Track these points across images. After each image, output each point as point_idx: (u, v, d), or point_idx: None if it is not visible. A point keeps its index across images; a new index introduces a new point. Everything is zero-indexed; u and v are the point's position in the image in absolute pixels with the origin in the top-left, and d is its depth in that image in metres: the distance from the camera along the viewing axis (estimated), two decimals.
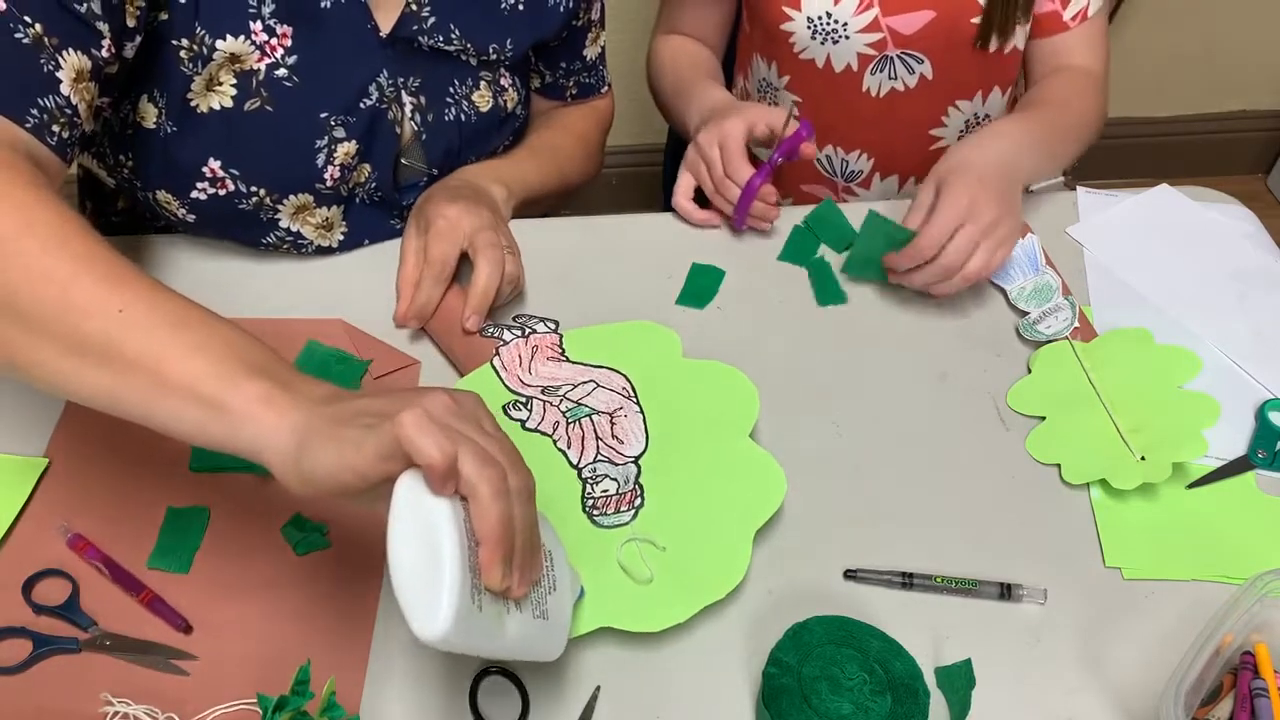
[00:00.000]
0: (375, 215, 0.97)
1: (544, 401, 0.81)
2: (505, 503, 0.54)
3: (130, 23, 0.76)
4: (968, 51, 1.07)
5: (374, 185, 0.94)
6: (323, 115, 0.87)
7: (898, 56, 1.07)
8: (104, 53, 0.73)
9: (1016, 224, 0.91)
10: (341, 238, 0.96)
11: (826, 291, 0.95)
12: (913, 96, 1.10)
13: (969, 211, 0.88)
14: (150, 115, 0.85)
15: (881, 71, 1.09)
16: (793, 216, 1.01)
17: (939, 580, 0.74)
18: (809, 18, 1.06)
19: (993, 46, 1.07)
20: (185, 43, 0.81)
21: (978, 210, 0.88)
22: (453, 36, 0.91)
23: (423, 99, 0.93)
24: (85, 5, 0.71)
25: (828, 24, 1.06)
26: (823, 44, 1.08)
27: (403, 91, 0.92)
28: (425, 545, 0.52)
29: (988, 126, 0.99)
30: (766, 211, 0.98)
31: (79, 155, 0.74)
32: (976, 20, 1.05)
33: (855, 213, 1.01)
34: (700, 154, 0.99)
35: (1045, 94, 1.07)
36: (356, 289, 0.93)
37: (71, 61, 0.71)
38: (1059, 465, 0.82)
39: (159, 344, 0.58)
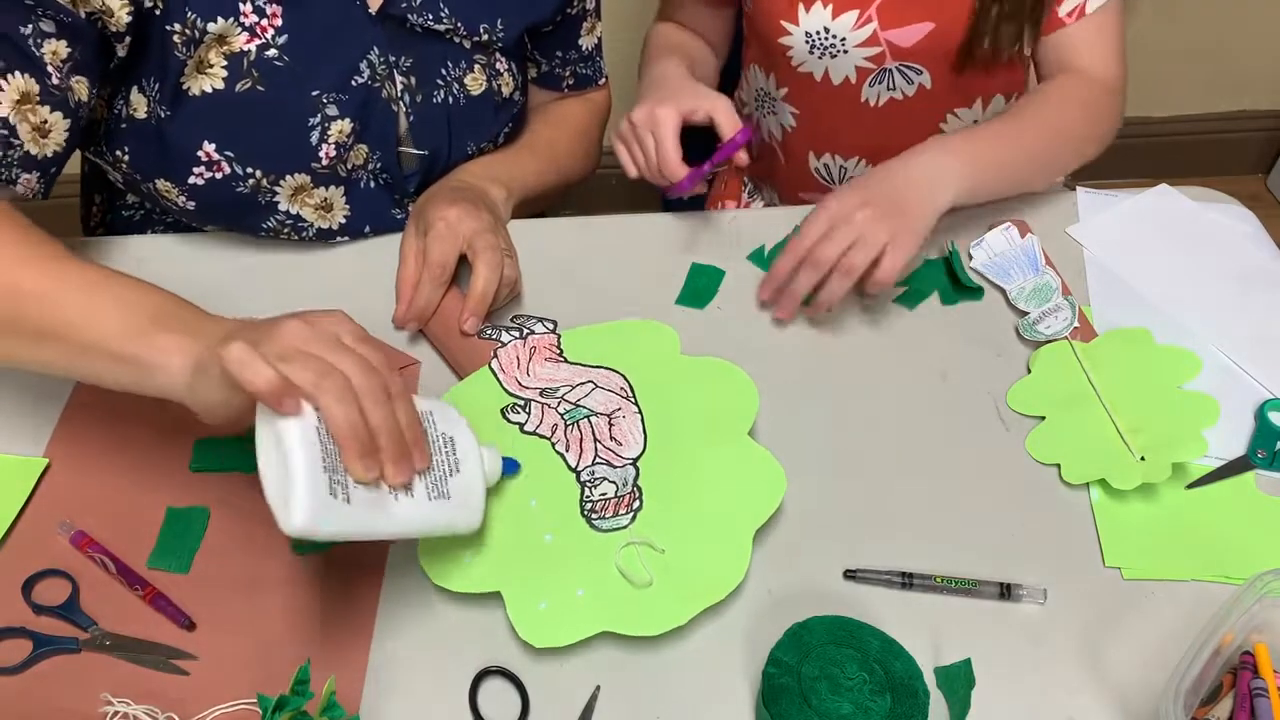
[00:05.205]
0: (378, 201, 0.97)
1: (542, 404, 0.81)
2: (348, 407, 0.60)
3: (114, 28, 0.78)
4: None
5: (377, 166, 0.95)
6: (314, 93, 0.88)
7: (896, 69, 1.06)
8: (53, 79, 0.76)
9: (907, 234, 0.88)
10: (343, 220, 0.96)
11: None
12: (911, 105, 1.09)
13: (838, 215, 0.88)
14: (141, 106, 0.85)
15: (880, 84, 1.08)
16: (792, 217, 1.01)
17: (939, 580, 0.74)
18: (807, 32, 1.05)
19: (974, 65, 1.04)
20: (178, 27, 0.82)
21: (849, 216, 0.87)
22: (442, 15, 0.92)
23: (413, 79, 0.93)
24: (31, 25, 0.74)
25: (826, 39, 1.05)
26: (820, 58, 1.07)
27: (395, 70, 0.92)
28: (280, 456, 0.59)
29: (931, 140, 0.95)
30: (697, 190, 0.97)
31: (27, 173, 0.79)
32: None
33: None
34: (633, 134, 0.95)
35: (1024, 105, 1.02)
36: (356, 290, 0.93)
37: (15, 84, 0.74)
38: (1059, 465, 0.82)
39: (77, 314, 0.67)
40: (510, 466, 0.74)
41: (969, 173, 0.93)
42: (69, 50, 0.76)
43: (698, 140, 0.98)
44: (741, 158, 0.94)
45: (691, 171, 0.93)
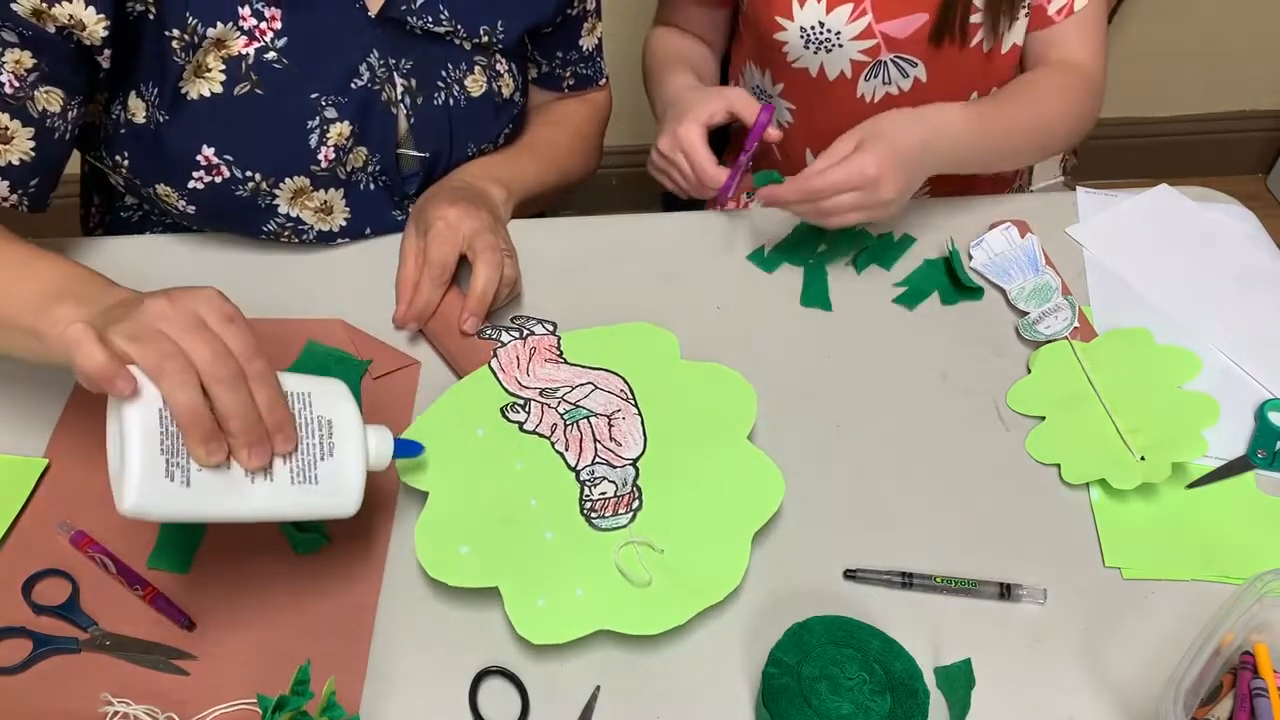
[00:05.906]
0: (378, 203, 0.97)
1: (542, 404, 0.81)
2: (189, 390, 0.59)
3: (90, 42, 0.78)
4: (960, 52, 1.06)
5: (377, 169, 0.95)
6: (313, 96, 0.88)
7: (891, 61, 1.07)
8: (7, 89, 0.77)
9: (900, 208, 0.93)
10: (344, 222, 0.96)
11: (812, 294, 0.95)
12: (907, 100, 1.09)
13: (870, 181, 0.89)
14: (140, 111, 0.85)
15: (875, 78, 1.08)
16: (791, 216, 1.01)
17: (939, 580, 0.74)
18: (802, 27, 1.06)
19: (952, 44, 1.06)
20: (177, 33, 0.82)
21: (880, 186, 0.89)
22: (442, 17, 0.92)
23: (414, 81, 0.93)
24: None
25: (820, 33, 1.05)
26: (815, 53, 1.07)
27: (394, 73, 0.92)
28: (119, 437, 0.60)
29: (936, 105, 0.97)
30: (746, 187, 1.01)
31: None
32: (972, 20, 1.04)
33: None
34: (666, 160, 1.00)
35: (1016, 88, 1.05)
36: (356, 289, 0.93)
37: None
38: (1059, 465, 0.82)
39: None
40: (410, 449, 0.73)
41: (969, 146, 0.97)
42: (34, 61, 0.77)
43: (713, 143, 1.00)
44: (772, 134, 0.98)
45: (731, 171, 0.97)
